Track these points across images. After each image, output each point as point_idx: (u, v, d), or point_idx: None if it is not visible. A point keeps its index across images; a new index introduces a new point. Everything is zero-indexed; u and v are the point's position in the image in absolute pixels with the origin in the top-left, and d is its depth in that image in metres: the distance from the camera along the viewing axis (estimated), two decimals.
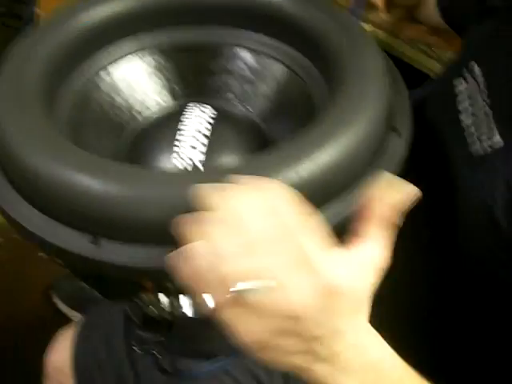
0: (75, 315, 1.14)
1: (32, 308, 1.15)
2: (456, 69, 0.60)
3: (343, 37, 0.51)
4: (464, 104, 0.56)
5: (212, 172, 0.42)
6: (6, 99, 0.47)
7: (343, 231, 0.42)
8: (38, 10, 0.96)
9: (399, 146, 0.47)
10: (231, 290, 0.33)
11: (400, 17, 0.89)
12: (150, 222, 0.40)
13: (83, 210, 0.41)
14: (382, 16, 0.89)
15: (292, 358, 0.35)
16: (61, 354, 0.69)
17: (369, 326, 0.37)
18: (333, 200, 0.43)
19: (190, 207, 0.38)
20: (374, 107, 0.45)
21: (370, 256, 0.37)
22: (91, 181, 0.40)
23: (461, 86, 0.57)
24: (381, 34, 0.94)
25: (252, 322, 0.34)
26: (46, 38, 0.53)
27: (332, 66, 0.51)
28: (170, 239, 0.39)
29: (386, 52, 0.53)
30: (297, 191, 0.39)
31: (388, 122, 0.48)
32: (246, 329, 0.34)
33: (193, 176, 0.42)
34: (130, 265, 0.40)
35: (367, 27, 0.94)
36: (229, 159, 0.52)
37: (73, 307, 1.18)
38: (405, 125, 0.49)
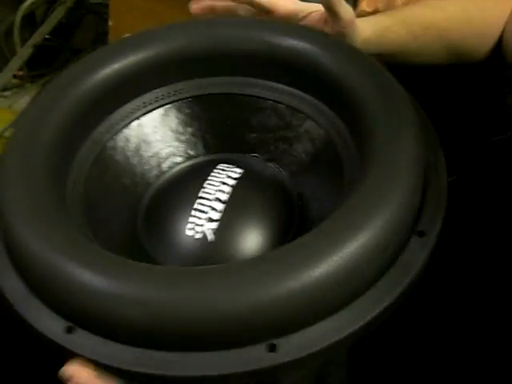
0: None
1: None
2: None
3: (385, 115, 0.46)
4: None
5: (204, 273, 0.39)
6: (15, 159, 0.46)
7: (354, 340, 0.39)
8: (110, 23, 0.96)
9: (420, 254, 0.42)
10: None
11: None
12: (125, 321, 0.37)
13: (62, 296, 0.39)
14: None
15: None
16: None
17: None
18: (339, 313, 0.39)
19: (169, 312, 0.36)
20: (395, 210, 0.40)
21: None
22: (72, 266, 0.39)
23: None
24: None
25: None
26: (72, 86, 0.51)
27: (366, 141, 0.46)
28: (143, 341, 0.38)
29: None
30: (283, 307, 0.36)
31: (412, 224, 0.42)
32: None
33: (172, 278, 0.38)
34: (94, 359, 0.38)
35: None
36: (242, 230, 0.49)
37: None
38: (433, 227, 0.43)
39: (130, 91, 0.55)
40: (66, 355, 0.40)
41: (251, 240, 0.49)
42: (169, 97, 0.56)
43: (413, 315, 0.53)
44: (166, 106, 0.57)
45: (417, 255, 0.41)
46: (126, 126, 0.55)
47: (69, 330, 0.39)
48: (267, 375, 0.38)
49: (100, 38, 1.64)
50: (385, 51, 0.60)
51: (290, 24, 0.57)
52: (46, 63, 1.62)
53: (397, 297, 0.40)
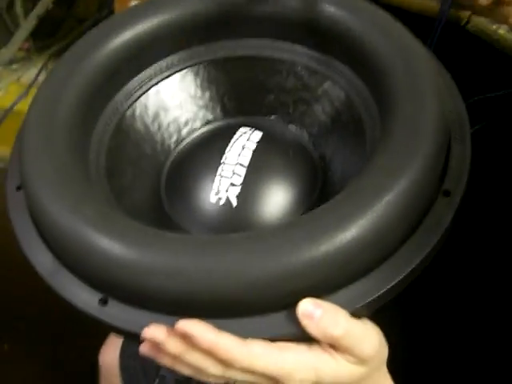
0: None
1: None
2: None
3: (407, 74, 0.45)
4: None
5: (239, 240, 0.39)
6: (36, 134, 0.45)
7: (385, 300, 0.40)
8: None
9: (446, 214, 0.41)
10: None
11: None
12: (159, 291, 0.38)
13: (95, 269, 0.39)
14: None
15: None
16: (111, 353, 0.71)
17: None
18: (368, 275, 0.39)
19: (203, 280, 0.36)
20: (421, 170, 0.39)
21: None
22: (104, 239, 0.39)
23: None
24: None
25: None
26: (88, 56, 0.50)
27: (388, 101, 0.45)
28: (176, 309, 0.38)
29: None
30: (317, 271, 0.36)
31: (438, 183, 0.42)
32: None
33: (203, 246, 0.38)
34: (130, 330, 0.39)
35: None
36: (265, 194, 0.49)
37: None
38: (458, 185, 0.42)
39: (145, 58, 0.54)
40: (101, 326, 0.40)
41: (275, 203, 0.49)
42: (185, 62, 0.56)
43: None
44: (183, 71, 0.56)
45: (443, 215, 0.41)
46: (144, 93, 0.54)
47: (103, 302, 0.40)
48: (301, 338, 0.38)
49: (103, 5, 1.61)
50: None
51: None
52: (49, 33, 1.60)
53: (426, 256, 0.40)
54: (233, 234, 0.39)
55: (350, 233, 0.37)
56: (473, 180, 0.44)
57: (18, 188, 0.47)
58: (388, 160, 0.40)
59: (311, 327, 0.37)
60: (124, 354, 0.69)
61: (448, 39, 0.78)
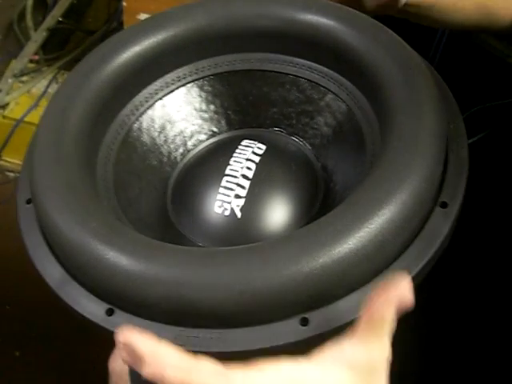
0: None
1: None
2: None
3: (405, 87, 0.46)
4: None
5: (235, 253, 0.40)
6: (45, 148, 0.47)
7: None
8: (124, 4, 0.97)
9: (443, 225, 0.42)
10: None
11: None
12: (163, 301, 0.39)
13: (102, 280, 0.41)
14: None
15: None
16: (121, 361, 0.71)
17: None
18: (366, 286, 0.40)
19: (205, 291, 0.38)
20: (418, 183, 0.41)
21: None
22: (109, 251, 0.40)
23: None
24: None
25: None
26: (96, 70, 0.52)
27: (387, 114, 0.46)
28: (181, 320, 0.39)
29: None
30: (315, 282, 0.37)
31: (435, 195, 0.43)
32: None
33: (205, 259, 0.40)
34: None
35: None
36: (269, 205, 0.50)
37: None
38: (455, 197, 0.43)
39: (152, 72, 0.56)
40: (108, 337, 0.41)
41: (278, 215, 0.50)
42: (190, 75, 0.57)
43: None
44: (188, 85, 0.57)
45: (440, 226, 0.42)
46: (150, 106, 0.56)
47: (109, 312, 0.41)
48: (299, 348, 0.39)
49: (112, 17, 1.63)
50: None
51: None
52: (59, 46, 1.62)
53: (422, 267, 0.41)
54: (235, 247, 0.40)
55: (347, 245, 0.38)
56: (474, 190, 0.45)
57: (28, 201, 0.48)
58: (386, 173, 0.41)
59: None
60: None
61: (451, 49, 0.79)
